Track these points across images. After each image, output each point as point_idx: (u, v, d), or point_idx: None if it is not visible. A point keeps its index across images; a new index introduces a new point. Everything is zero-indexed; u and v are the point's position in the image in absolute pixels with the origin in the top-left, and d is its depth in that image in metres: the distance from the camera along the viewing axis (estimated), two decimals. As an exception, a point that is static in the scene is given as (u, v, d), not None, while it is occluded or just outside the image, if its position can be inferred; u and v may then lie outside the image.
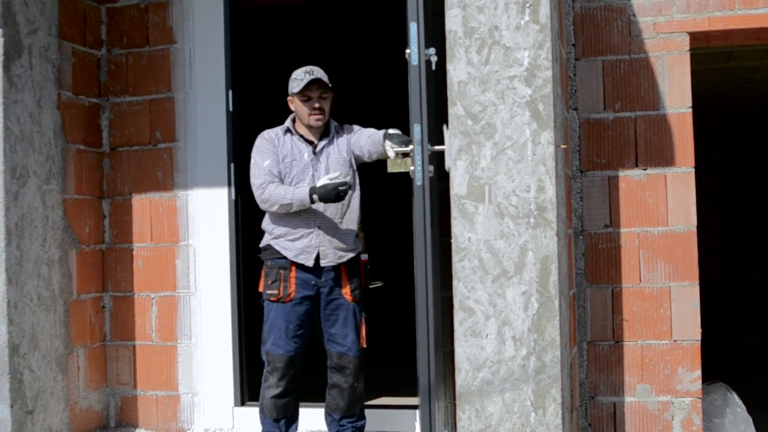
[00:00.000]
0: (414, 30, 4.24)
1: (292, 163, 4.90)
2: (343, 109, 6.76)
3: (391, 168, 4.66)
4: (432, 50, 4.29)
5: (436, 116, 4.53)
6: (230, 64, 5.87)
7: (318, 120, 4.91)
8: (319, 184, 4.74)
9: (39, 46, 5.44)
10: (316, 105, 4.91)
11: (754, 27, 5.05)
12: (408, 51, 4.25)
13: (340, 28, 9.43)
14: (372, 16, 8.73)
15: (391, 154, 4.68)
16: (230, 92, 5.85)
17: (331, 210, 4.88)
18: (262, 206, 4.89)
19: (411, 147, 4.30)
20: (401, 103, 4.95)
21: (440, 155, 4.30)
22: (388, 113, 6.92)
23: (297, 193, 4.77)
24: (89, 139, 5.89)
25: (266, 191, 4.81)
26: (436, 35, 4.51)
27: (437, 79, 4.52)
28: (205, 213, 5.86)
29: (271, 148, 4.92)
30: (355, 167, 5.01)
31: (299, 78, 4.91)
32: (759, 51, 7.07)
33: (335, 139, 4.99)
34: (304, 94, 4.91)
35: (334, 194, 4.70)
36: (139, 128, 5.95)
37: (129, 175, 5.96)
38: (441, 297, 4.89)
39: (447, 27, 4.17)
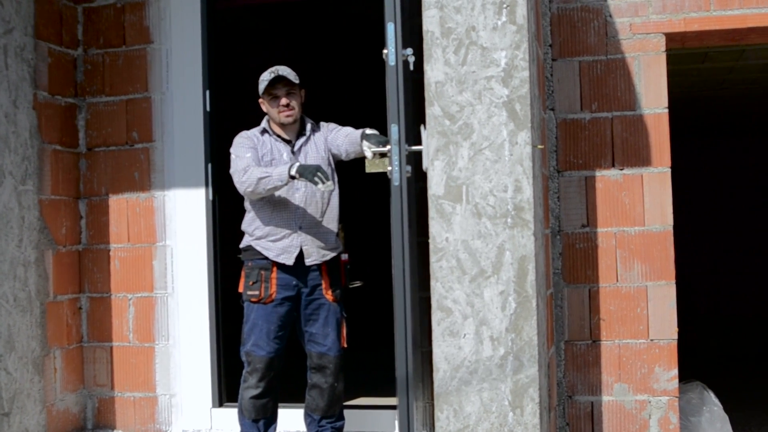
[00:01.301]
0: (391, 30, 4.24)
1: (272, 162, 4.89)
2: (322, 109, 6.76)
3: (369, 168, 4.66)
4: (409, 50, 4.29)
5: (413, 116, 4.53)
6: (207, 65, 5.86)
7: (288, 116, 4.91)
8: None
9: (15, 46, 5.41)
10: (283, 102, 4.90)
11: (729, 28, 5.08)
12: (385, 51, 4.25)
13: (317, 28, 9.43)
14: (350, 16, 8.73)
15: (368, 154, 4.66)
16: (207, 92, 5.84)
17: (312, 209, 4.87)
18: (242, 188, 4.79)
19: (388, 147, 4.31)
20: (379, 103, 4.95)
21: (418, 155, 4.31)
22: (366, 113, 6.93)
23: (277, 168, 4.73)
24: (65, 140, 5.86)
25: (247, 173, 4.75)
26: (413, 36, 4.51)
27: (415, 79, 4.52)
28: (183, 213, 5.84)
29: (251, 145, 4.91)
30: (333, 165, 5.01)
31: (265, 79, 4.92)
32: (734, 52, 7.11)
33: (312, 137, 5.00)
34: (270, 93, 4.92)
35: (312, 171, 4.62)
36: (116, 128, 5.92)
37: (106, 176, 5.93)
38: (419, 297, 4.90)
39: (424, 27, 4.18)
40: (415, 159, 4.36)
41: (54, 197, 5.73)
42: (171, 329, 5.83)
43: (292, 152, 4.93)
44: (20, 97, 5.44)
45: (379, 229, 9.38)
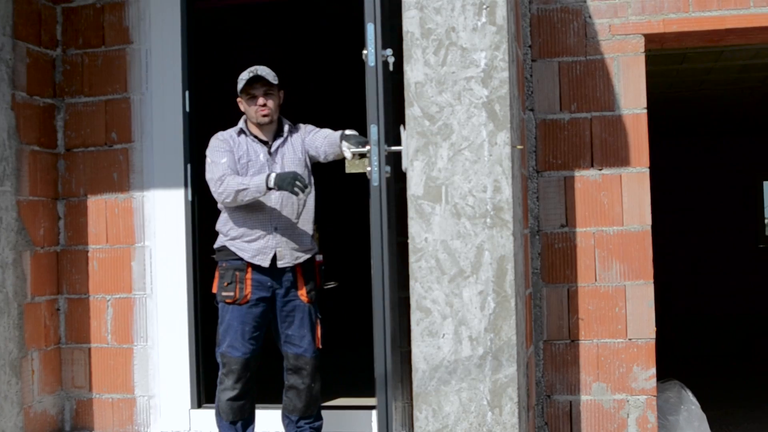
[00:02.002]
0: (371, 31, 4.24)
1: (248, 164, 4.88)
2: (302, 110, 6.76)
3: (349, 168, 4.66)
4: (389, 51, 4.30)
5: (393, 117, 4.53)
6: (187, 65, 5.84)
7: (264, 116, 4.90)
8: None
9: (-8, 46, 5.38)
10: (260, 102, 4.89)
11: (707, 29, 5.11)
12: (365, 52, 4.25)
13: (298, 28, 9.41)
14: (331, 16, 8.72)
15: (347, 154, 4.66)
16: (187, 93, 5.82)
17: (287, 210, 4.86)
18: (219, 198, 4.82)
19: (368, 147, 4.31)
20: (360, 103, 4.96)
21: (397, 156, 4.31)
22: (347, 114, 6.93)
23: (254, 179, 4.73)
24: (44, 140, 5.83)
25: (224, 182, 4.75)
26: (393, 36, 4.51)
27: (394, 79, 4.52)
28: (162, 214, 5.82)
29: (227, 148, 4.90)
30: (310, 167, 5.00)
31: (243, 78, 4.91)
32: (713, 53, 7.16)
33: (289, 139, 4.99)
34: (248, 92, 4.91)
35: (290, 182, 4.62)
36: (95, 129, 5.90)
37: (84, 177, 5.91)
38: (398, 297, 4.91)
39: (404, 28, 4.18)
40: (395, 159, 4.37)
41: (32, 198, 5.70)
42: (149, 330, 5.81)
43: (269, 153, 4.92)
44: (-2, 97, 5.41)
45: (355, 229, 9.42)
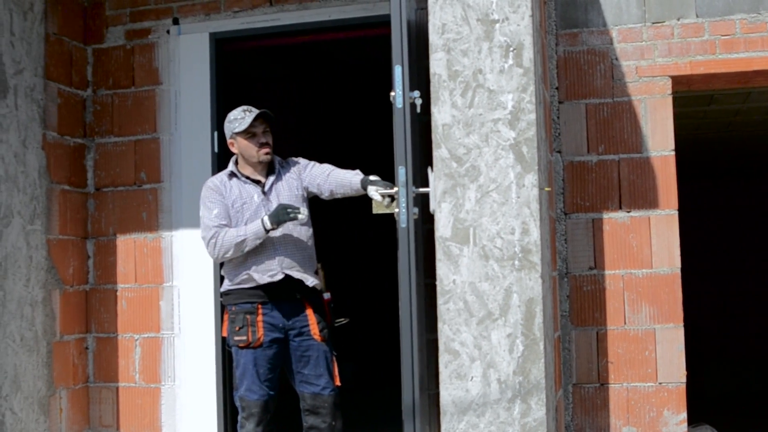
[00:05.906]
0: (398, 73, 4.26)
1: (243, 207, 4.81)
2: (329, 151, 6.78)
3: (376, 210, 4.66)
4: (416, 93, 4.31)
5: (420, 158, 4.54)
6: (216, 106, 5.89)
7: (267, 154, 4.83)
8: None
9: (25, 87, 5.45)
10: (263, 140, 4.83)
11: (734, 71, 5.10)
12: (393, 94, 4.27)
13: (325, 70, 9.48)
14: (358, 58, 8.78)
15: (377, 197, 4.59)
16: (215, 133, 5.86)
17: (290, 248, 4.79)
18: (219, 255, 4.75)
19: (396, 189, 4.31)
20: (387, 145, 4.95)
21: (425, 197, 4.31)
22: (374, 155, 6.94)
23: (249, 227, 4.69)
24: (74, 180, 5.89)
25: (218, 240, 4.70)
26: (420, 78, 4.54)
27: (422, 121, 4.54)
28: (190, 254, 5.84)
29: (217, 197, 4.82)
30: (307, 203, 4.94)
31: (240, 117, 4.83)
32: (740, 94, 7.13)
33: (282, 175, 4.92)
34: (249, 131, 4.81)
35: (283, 214, 4.60)
36: (124, 169, 5.95)
37: (113, 216, 5.95)
38: (426, 339, 4.88)
39: (431, 70, 4.20)
40: (423, 201, 4.37)
41: (62, 237, 5.74)
42: (177, 370, 5.82)
43: (263, 192, 4.85)
44: (30, 137, 5.47)
45: (362, 265, 9.38)
